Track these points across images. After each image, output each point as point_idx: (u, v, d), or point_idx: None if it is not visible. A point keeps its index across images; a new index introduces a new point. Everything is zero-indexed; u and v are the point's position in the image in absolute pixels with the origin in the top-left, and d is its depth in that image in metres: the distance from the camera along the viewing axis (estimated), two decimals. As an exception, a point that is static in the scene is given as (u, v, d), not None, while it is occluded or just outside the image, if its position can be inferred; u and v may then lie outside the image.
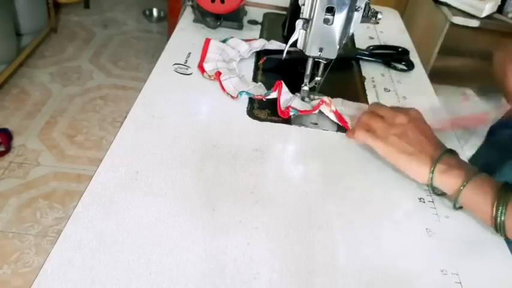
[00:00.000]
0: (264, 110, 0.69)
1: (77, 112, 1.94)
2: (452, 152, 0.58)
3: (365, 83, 0.81)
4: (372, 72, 0.85)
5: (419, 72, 0.87)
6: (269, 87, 0.74)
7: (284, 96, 0.70)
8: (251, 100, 0.71)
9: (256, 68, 0.80)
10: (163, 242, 0.46)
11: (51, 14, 2.37)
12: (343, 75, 0.84)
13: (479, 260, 0.51)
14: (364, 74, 0.84)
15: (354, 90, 0.80)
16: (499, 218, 0.51)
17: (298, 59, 0.71)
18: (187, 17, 0.93)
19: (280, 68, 0.80)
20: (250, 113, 0.68)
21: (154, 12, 2.79)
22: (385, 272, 0.47)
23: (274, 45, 0.83)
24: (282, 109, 0.68)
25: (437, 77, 1.39)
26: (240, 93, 0.70)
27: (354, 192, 0.57)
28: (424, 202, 0.57)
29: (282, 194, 0.55)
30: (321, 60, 0.67)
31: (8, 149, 1.68)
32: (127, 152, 0.57)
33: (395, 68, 0.86)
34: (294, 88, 0.72)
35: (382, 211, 0.55)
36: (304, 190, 0.56)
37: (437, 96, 0.81)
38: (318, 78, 0.70)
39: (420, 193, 0.58)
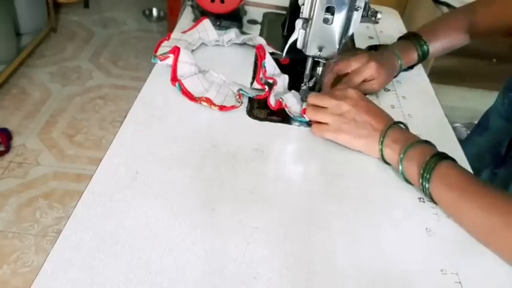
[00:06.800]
0: (263, 109, 0.69)
1: (77, 112, 1.94)
2: (399, 124, 0.62)
3: (365, 82, 0.81)
4: (371, 72, 0.84)
5: (419, 72, 0.87)
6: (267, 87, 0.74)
7: (185, 68, 0.70)
8: (251, 100, 0.71)
9: (256, 67, 0.80)
10: (163, 242, 0.46)
11: (51, 14, 2.37)
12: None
13: (479, 260, 0.51)
14: (364, 73, 0.83)
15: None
16: (423, 185, 0.55)
17: (297, 59, 0.71)
18: (187, 16, 0.93)
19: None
20: (250, 112, 0.68)
21: (154, 12, 2.79)
22: (384, 272, 0.47)
23: (239, 39, 0.85)
24: (216, 103, 0.67)
25: (437, 77, 1.39)
26: (154, 58, 0.72)
27: (354, 192, 0.57)
28: (424, 202, 0.57)
29: (282, 194, 0.55)
30: (320, 60, 0.67)
31: (8, 148, 1.68)
32: (127, 152, 0.57)
33: (395, 68, 0.86)
34: (294, 88, 0.72)
35: (382, 211, 0.55)
36: (304, 190, 0.56)
37: (437, 96, 0.81)
38: (320, 69, 0.69)
39: (420, 193, 0.58)
